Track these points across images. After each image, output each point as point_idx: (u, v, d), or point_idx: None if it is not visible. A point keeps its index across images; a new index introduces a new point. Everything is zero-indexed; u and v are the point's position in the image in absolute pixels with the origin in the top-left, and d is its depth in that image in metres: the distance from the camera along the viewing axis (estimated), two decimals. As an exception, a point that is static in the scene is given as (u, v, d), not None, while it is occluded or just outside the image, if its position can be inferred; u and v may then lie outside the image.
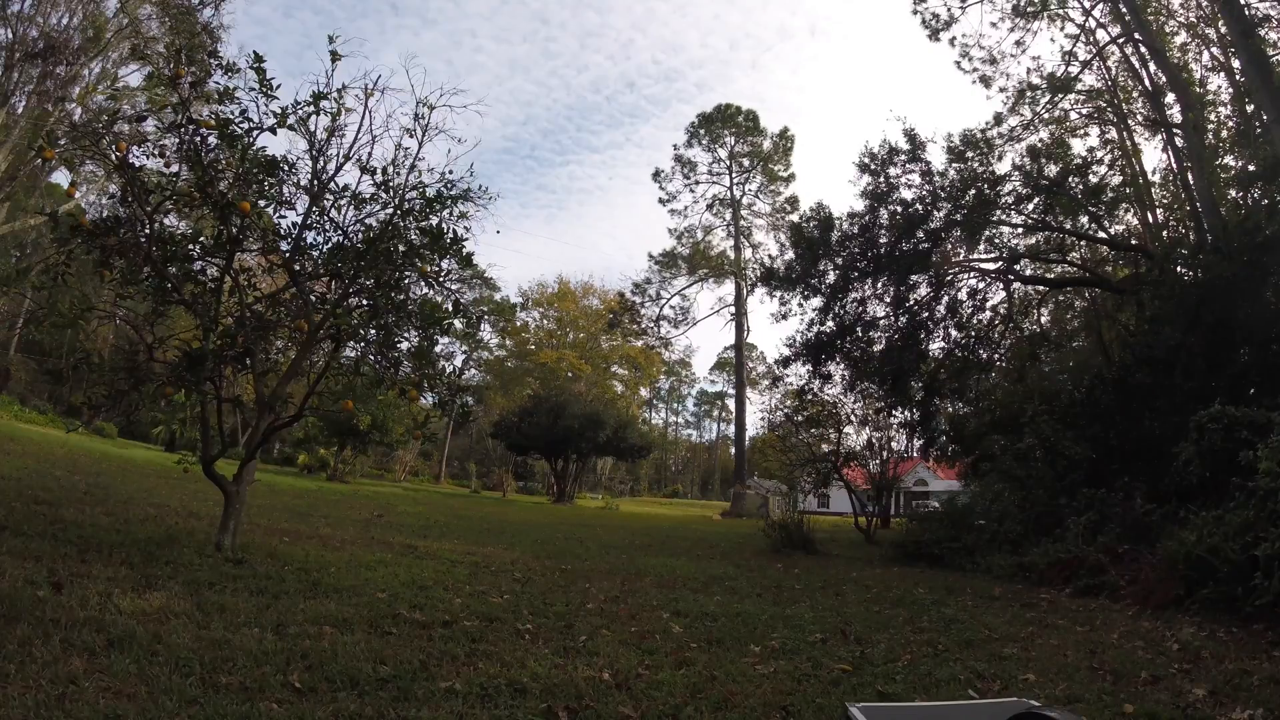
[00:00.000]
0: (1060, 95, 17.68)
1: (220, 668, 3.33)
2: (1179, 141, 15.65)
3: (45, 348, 33.43)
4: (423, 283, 6.83)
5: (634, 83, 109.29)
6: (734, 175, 46.66)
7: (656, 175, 48.02)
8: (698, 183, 47.10)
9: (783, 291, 17.23)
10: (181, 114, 5.97)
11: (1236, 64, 15.05)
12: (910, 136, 15.75)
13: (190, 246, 6.46)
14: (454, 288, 7.08)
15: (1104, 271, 17.43)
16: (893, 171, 15.97)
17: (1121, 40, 16.90)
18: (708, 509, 42.96)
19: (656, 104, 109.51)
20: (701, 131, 46.18)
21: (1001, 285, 16.73)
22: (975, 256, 16.48)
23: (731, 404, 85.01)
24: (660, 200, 47.47)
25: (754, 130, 45.66)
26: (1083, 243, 17.17)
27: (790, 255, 17.16)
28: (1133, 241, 16.68)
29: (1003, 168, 15.84)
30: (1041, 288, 17.80)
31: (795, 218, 47.00)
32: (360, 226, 6.85)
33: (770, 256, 44.06)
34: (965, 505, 14.04)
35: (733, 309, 45.24)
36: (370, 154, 6.71)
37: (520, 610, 5.45)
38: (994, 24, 19.23)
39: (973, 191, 15.19)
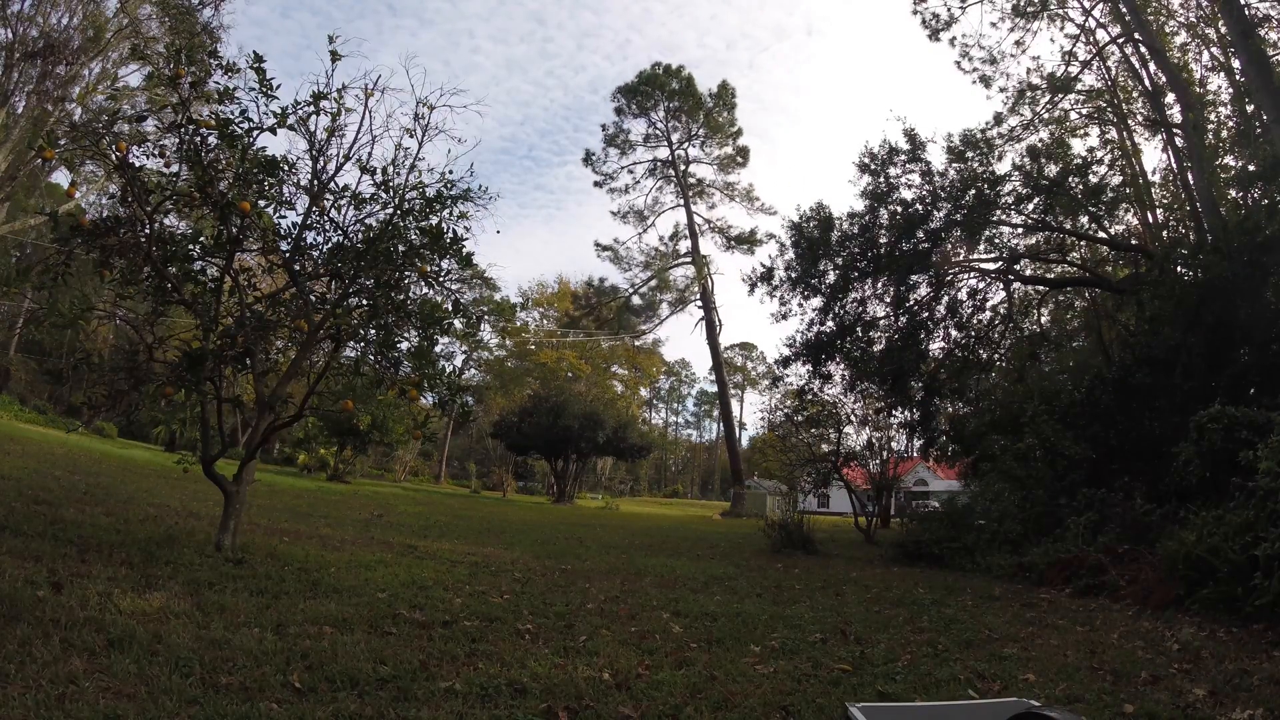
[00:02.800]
0: (1060, 95, 17.69)
1: (220, 668, 3.33)
2: (1179, 141, 15.65)
3: (45, 348, 33.45)
4: (423, 283, 6.83)
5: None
6: (673, 143, 41.26)
7: (588, 159, 42.60)
8: (637, 162, 42.36)
9: (782, 292, 17.24)
10: (181, 114, 5.97)
11: (1236, 64, 15.04)
12: (910, 136, 15.77)
13: (190, 246, 6.46)
14: (454, 288, 7.08)
15: (1104, 271, 17.42)
16: (893, 171, 16.00)
17: (1121, 40, 16.90)
18: (707, 509, 42.94)
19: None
20: (631, 104, 41.11)
21: (1001, 285, 16.74)
22: (975, 256, 16.49)
23: (732, 404, 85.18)
24: (596, 183, 42.94)
25: (688, 92, 40.58)
26: (1083, 243, 17.17)
27: (790, 254, 17.15)
28: (1133, 241, 16.68)
29: (1003, 168, 15.87)
30: (1041, 288, 17.80)
31: (744, 177, 43.73)
32: (360, 226, 6.86)
33: (729, 225, 41.86)
34: (965, 505, 14.04)
35: (699, 302, 41.87)
36: (370, 154, 6.73)
37: (520, 610, 5.45)
38: (994, 24, 19.31)
39: (973, 191, 15.19)
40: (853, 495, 17.75)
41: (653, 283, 43.90)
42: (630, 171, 42.91)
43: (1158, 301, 12.33)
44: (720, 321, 41.55)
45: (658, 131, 42.05)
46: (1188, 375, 10.81)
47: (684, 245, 43.40)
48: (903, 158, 15.83)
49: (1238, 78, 15.42)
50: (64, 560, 5.05)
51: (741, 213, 43.96)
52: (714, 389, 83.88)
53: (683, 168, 42.44)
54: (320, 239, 6.95)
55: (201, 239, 6.56)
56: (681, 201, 42.63)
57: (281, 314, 6.96)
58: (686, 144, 42.27)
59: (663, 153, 42.42)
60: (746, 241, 42.45)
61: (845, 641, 5.27)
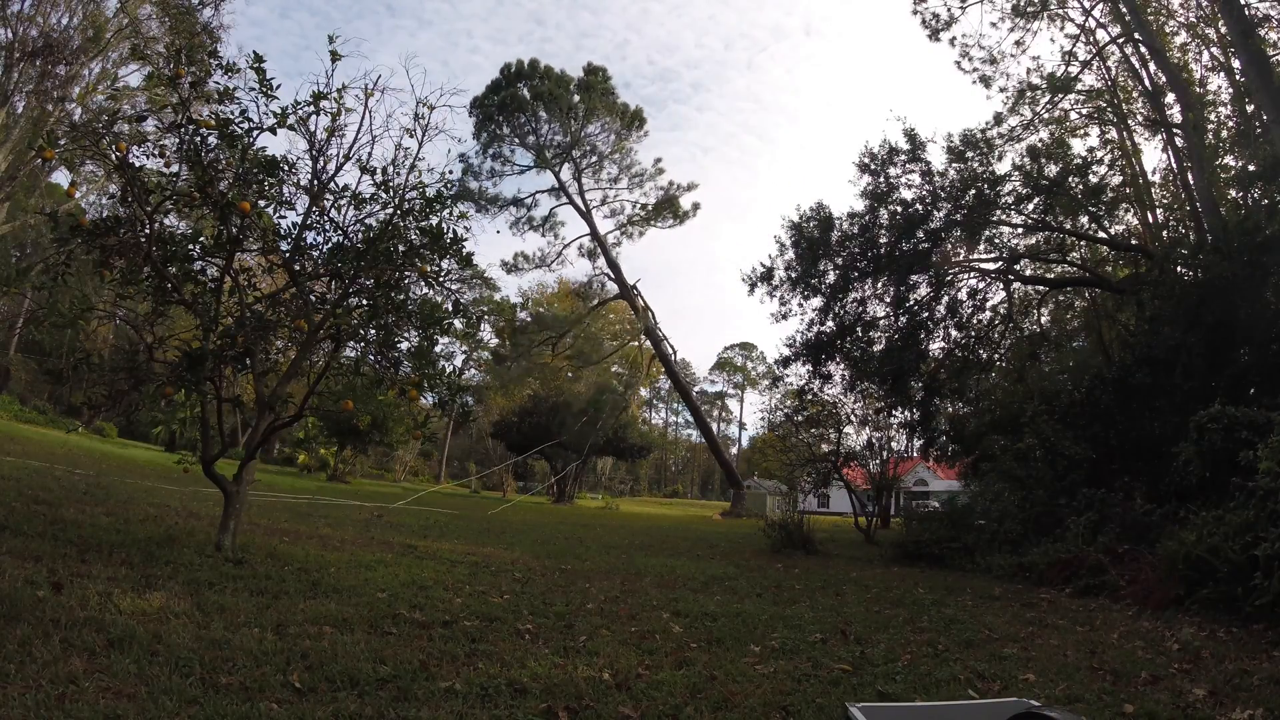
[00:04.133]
0: (1060, 95, 17.65)
1: (220, 668, 3.33)
2: (1179, 141, 15.63)
3: (45, 348, 33.41)
4: (423, 283, 6.83)
5: (629, 83, 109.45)
6: (554, 164, 35.33)
7: (463, 194, 34.49)
8: (531, 193, 36.54)
9: (782, 292, 17.23)
10: (181, 114, 5.96)
11: (1236, 64, 15.03)
12: (910, 136, 15.76)
13: (190, 246, 6.46)
14: (454, 288, 7.08)
15: (1104, 271, 17.42)
16: (893, 171, 15.99)
17: (1121, 40, 16.89)
18: (707, 509, 42.94)
19: (652, 104, 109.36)
20: (485, 130, 35.21)
21: (1001, 285, 16.75)
22: (975, 256, 16.49)
23: (732, 404, 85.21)
24: (479, 208, 35.88)
25: (555, 95, 34.18)
26: (1083, 243, 17.16)
27: (790, 254, 17.13)
28: (1133, 241, 16.68)
29: (1003, 168, 15.86)
30: (1041, 288, 17.80)
31: (645, 156, 37.09)
32: (360, 226, 6.86)
33: (649, 213, 37.65)
34: (965, 505, 14.04)
35: (644, 337, 37.30)
36: (370, 154, 6.72)
37: (520, 610, 5.45)
38: (994, 24, 19.21)
39: (973, 191, 15.19)
40: (853, 495, 17.75)
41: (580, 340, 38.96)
42: (520, 203, 36.76)
43: (1158, 301, 12.33)
44: (673, 348, 38.97)
45: (531, 145, 35.66)
46: (1188, 375, 10.81)
47: (602, 261, 37.93)
48: (903, 158, 15.83)
49: (1238, 78, 15.40)
50: (64, 560, 5.05)
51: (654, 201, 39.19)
52: (714, 389, 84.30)
53: (572, 180, 36.13)
54: (320, 239, 6.95)
55: (201, 239, 6.55)
56: (589, 231, 36.76)
57: (281, 314, 6.95)
58: (571, 150, 35.57)
59: (547, 179, 36.48)
60: (668, 208, 37.78)
61: (845, 641, 5.27)
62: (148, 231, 5.98)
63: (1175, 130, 15.59)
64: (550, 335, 37.29)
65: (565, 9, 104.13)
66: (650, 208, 37.99)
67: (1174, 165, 16.62)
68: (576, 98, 34.93)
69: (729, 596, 7.14)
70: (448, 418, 35.20)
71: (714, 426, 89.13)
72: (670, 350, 38.76)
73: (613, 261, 37.04)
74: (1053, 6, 17.69)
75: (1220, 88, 16.75)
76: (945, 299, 16.28)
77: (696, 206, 39.09)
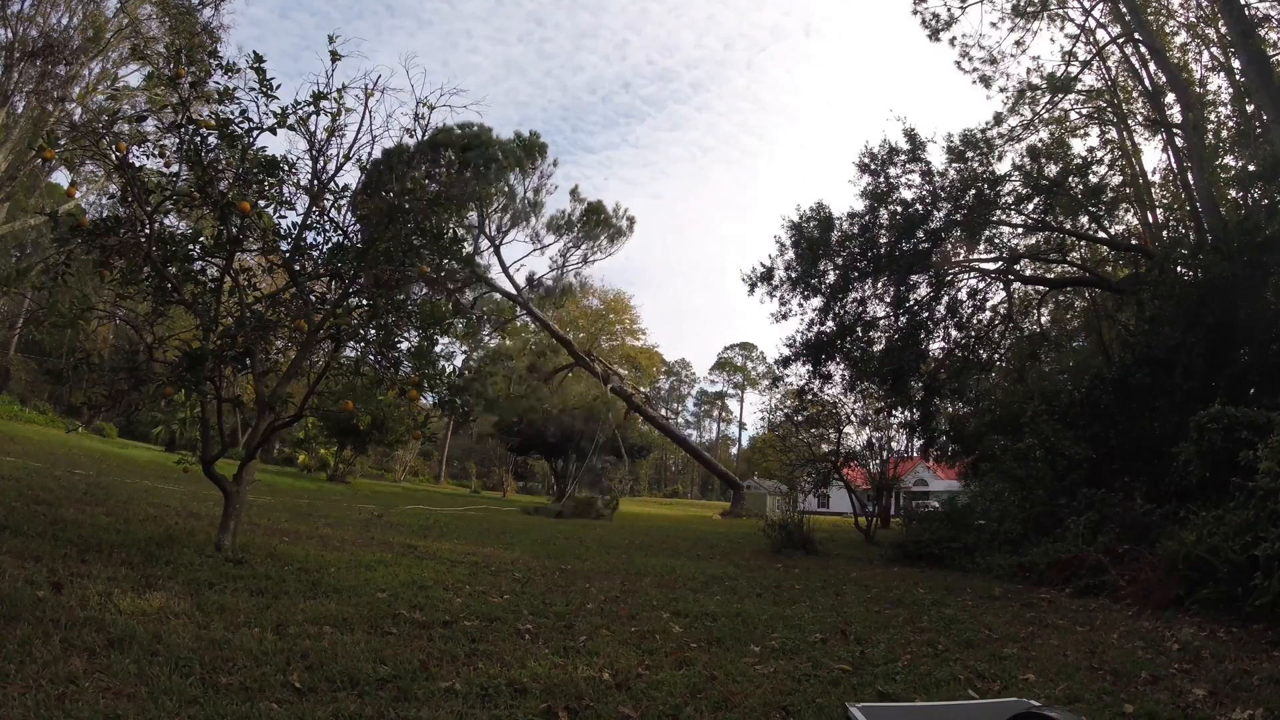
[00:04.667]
0: (1060, 95, 17.64)
1: (220, 668, 3.33)
2: (1179, 141, 15.63)
3: (45, 348, 33.36)
4: (422, 283, 6.84)
5: (629, 83, 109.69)
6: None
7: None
8: None
9: (782, 292, 17.23)
10: (181, 114, 5.97)
11: (1236, 64, 15.02)
12: (910, 136, 15.76)
13: (190, 246, 6.46)
14: (453, 287, 7.08)
15: (1104, 271, 17.42)
16: (893, 171, 15.99)
17: (1121, 40, 16.88)
18: (707, 509, 42.94)
19: (652, 104, 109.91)
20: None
21: (1001, 285, 16.75)
22: (975, 256, 16.50)
23: (732, 404, 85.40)
24: None
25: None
26: (1083, 243, 17.16)
27: (790, 254, 17.12)
28: (1133, 241, 16.68)
29: (1003, 168, 15.85)
30: (1041, 288, 17.80)
31: (569, 201, 31.89)
32: (360, 226, 6.86)
33: (568, 249, 32.64)
34: (965, 505, 14.04)
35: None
36: (370, 154, 6.73)
37: (520, 610, 5.45)
38: (994, 24, 19.19)
39: (973, 191, 15.19)
40: (853, 495, 17.75)
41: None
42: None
43: (1158, 301, 12.33)
44: (646, 395, 37.44)
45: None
46: (1188, 375, 10.80)
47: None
48: (903, 158, 15.83)
49: (1238, 78, 15.39)
50: (64, 560, 5.05)
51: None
52: (714, 388, 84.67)
53: (490, 255, 32.45)
54: (320, 239, 6.96)
55: (201, 239, 6.56)
56: (525, 313, 33.43)
57: (281, 314, 6.95)
58: (480, 233, 31.96)
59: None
60: (599, 228, 33.67)
61: (845, 641, 5.27)
62: (148, 231, 5.98)
63: (1175, 130, 15.59)
64: (490, 413, 34.52)
65: (565, 9, 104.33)
66: (577, 228, 33.81)
67: (1174, 165, 16.62)
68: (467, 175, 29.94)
69: (729, 596, 7.14)
70: (448, 418, 34.97)
71: (714, 426, 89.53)
72: (643, 398, 37.07)
73: (562, 338, 34.95)
74: (1053, 6, 17.68)
75: (1220, 88, 16.76)
76: (945, 299, 16.29)
77: (633, 222, 35.08)
